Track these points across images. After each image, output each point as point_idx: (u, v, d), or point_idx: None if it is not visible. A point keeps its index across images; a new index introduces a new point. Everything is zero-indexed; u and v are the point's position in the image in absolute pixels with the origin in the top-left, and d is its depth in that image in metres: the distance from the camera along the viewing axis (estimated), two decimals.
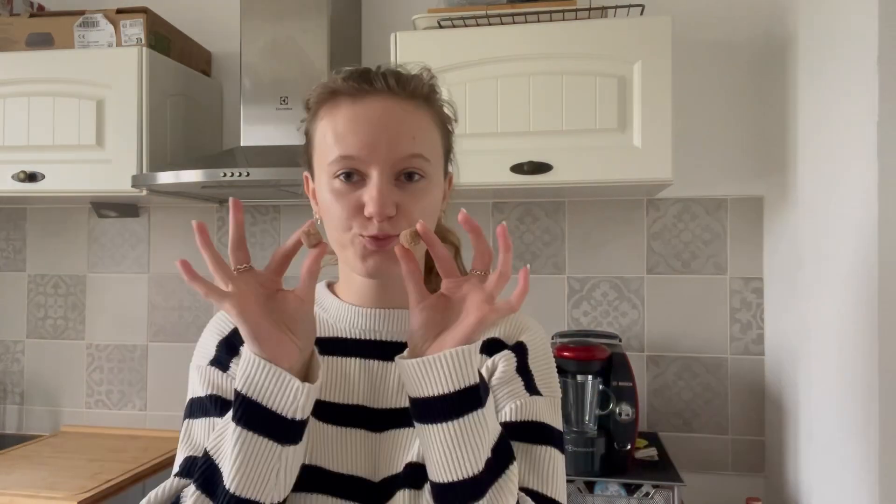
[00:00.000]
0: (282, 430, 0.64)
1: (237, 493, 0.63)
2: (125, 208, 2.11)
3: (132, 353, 2.12)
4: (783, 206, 1.73)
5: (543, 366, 0.80)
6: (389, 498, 0.72)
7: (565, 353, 1.56)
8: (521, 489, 0.70)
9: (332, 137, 0.72)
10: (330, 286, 0.86)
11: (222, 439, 0.66)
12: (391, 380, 0.77)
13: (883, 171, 1.15)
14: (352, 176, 0.72)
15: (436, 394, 0.64)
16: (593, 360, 1.56)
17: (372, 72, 0.74)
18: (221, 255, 0.63)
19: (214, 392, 0.76)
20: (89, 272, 2.16)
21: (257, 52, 1.79)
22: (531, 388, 0.77)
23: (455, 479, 0.64)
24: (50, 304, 2.18)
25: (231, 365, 0.77)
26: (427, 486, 0.69)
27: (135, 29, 1.77)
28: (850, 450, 1.27)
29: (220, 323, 0.81)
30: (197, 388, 0.77)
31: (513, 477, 0.67)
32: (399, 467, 0.73)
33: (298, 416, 0.64)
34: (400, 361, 0.67)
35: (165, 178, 1.63)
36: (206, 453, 0.68)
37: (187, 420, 0.77)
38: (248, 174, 1.54)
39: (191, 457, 0.74)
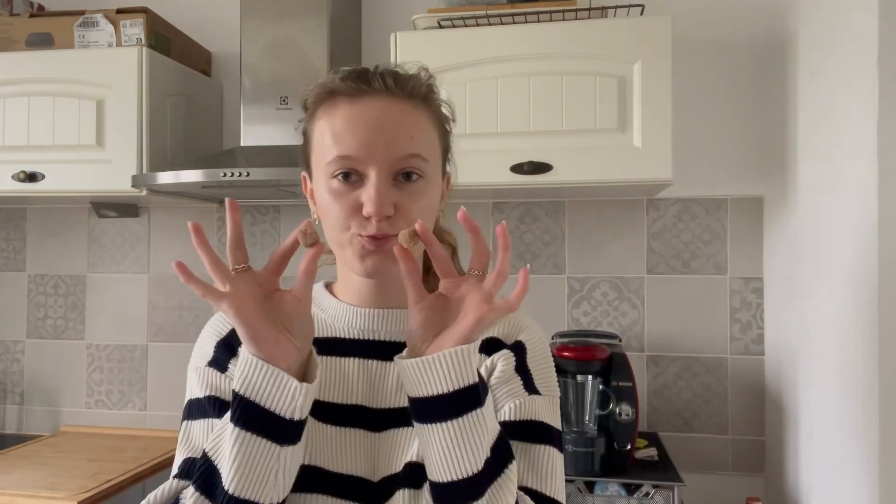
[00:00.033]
0: (280, 430, 0.64)
1: (236, 494, 0.63)
2: (125, 208, 2.11)
3: (132, 353, 2.12)
4: (783, 206, 1.73)
5: (542, 365, 0.80)
6: (389, 498, 0.72)
7: (565, 353, 1.56)
8: (521, 488, 0.70)
9: (330, 137, 0.72)
10: (328, 286, 0.86)
11: (221, 440, 0.66)
12: (390, 379, 0.77)
13: (883, 171, 1.15)
14: (350, 176, 0.72)
15: (435, 393, 0.64)
16: (593, 360, 1.56)
17: (370, 72, 0.74)
18: (221, 255, 0.63)
19: (213, 393, 0.76)
20: (89, 272, 2.16)
21: (257, 52, 1.79)
22: (530, 387, 0.77)
23: (454, 479, 0.64)
24: (50, 304, 2.18)
25: (229, 366, 0.77)
26: (426, 486, 0.69)
27: (135, 29, 1.77)
28: (850, 450, 1.26)
29: (218, 324, 0.81)
30: (195, 389, 0.77)
31: (512, 476, 0.67)
32: (398, 467, 0.73)
33: (297, 417, 0.64)
34: (399, 361, 0.67)
35: (165, 178, 1.63)
36: (204, 454, 0.68)
37: (186, 421, 0.77)
38: (248, 174, 1.54)
39: (190, 458, 0.74)
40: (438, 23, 1.64)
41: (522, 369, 0.78)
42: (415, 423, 0.67)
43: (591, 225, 1.91)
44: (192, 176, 1.59)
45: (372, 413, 0.76)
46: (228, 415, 0.65)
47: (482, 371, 0.76)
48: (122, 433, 2.07)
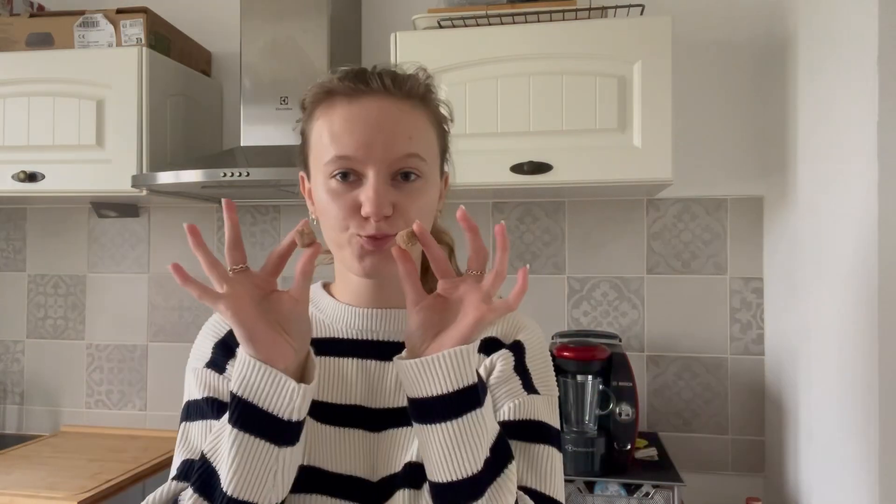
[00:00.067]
0: (278, 431, 0.64)
1: (235, 496, 0.63)
2: (125, 208, 2.11)
3: (132, 353, 2.12)
4: (783, 206, 1.73)
5: (541, 364, 0.80)
6: (388, 498, 0.72)
7: (565, 353, 1.56)
8: (520, 487, 0.70)
9: (328, 137, 0.72)
10: (326, 286, 0.86)
11: (219, 442, 0.66)
12: (388, 379, 0.77)
13: (883, 171, 1.15)
14: (348, 176, 0.72)
15: (434, 394, 0.64)
16: (593, 360, 1.56)
17: (368, 72, 0.74)
18: (223, 255, 0.63)
19: (211, 394, 0.75)
20: (89, 272, 2.16)
21: (257, 52, 1.79)
22: (529, 386, 0.77)
23: (454, 479, 0.64)
24: (50, 304, 2.18)
25: (227, 367, 0.77)
26: (426, 486, 0.69)
27: (135, 29, 1.77)
28: (850, 450, 1.26)
29: (216, 325, 0.81)
30: (193, 390, 0.77)
31: (511, 476, 0.67)
32: (397, 467, 0.73)
33: (294, 418, 0.64)
34: (398, 362, 0.67)
35: (165, 178, 1.63)
36: (202, 456, 0.68)
37: (184, 423, 0.77)
38: (248, 174, 1.54)
39: (188, 460, 0.74)
40: (438, 23, 1.64)
41: (521, 369, 0.78)
42: (414, 424, 0.67)
43: (591, 225, 1.91)
44: (192, 176, 1.59)
45: (370, 413, 0.76)
46: (226, 416, 0.65)
47: (481, 371, 0.76)
48: (122, 433, 2.07)
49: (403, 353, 0.68)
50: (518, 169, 1.56)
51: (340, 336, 0.80)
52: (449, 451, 0.64)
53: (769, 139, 1.81)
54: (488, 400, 0.68)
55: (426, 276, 0.82)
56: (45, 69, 1.77)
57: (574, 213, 1.91)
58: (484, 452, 0.65)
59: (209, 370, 0.77)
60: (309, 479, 0.72)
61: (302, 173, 0.82)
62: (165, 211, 2.12)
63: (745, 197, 1.84)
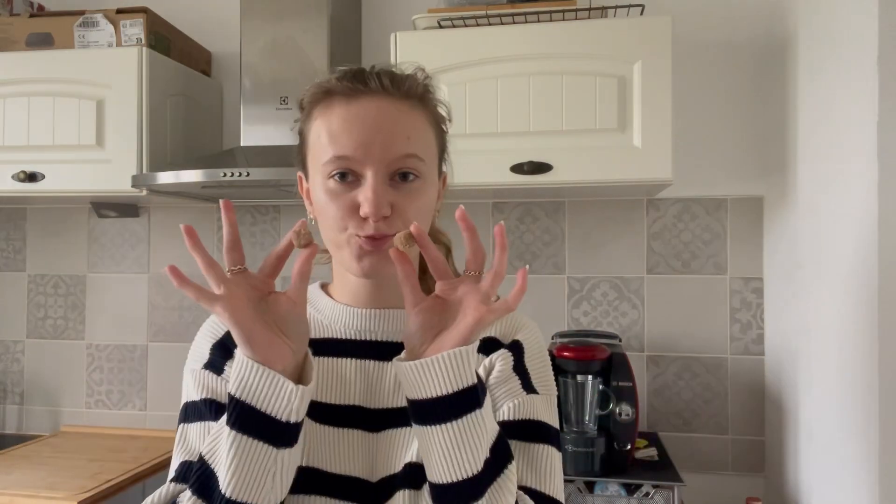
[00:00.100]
0: (276, 433, 0.64)
1: (233, 498, 0.63)
2: (125, 208, 2.11)
3: (132, 353, 2.12)
4: (783, 206, 1.73)
5: (539, 364, 0.80)
6: (388, 498, 0.72)
7: (565, 353, 1.56)
8: (520, 487, 0.71)
9: (326, 137, 0.72)
10: (323, 287, 0.86)
11: (217, 443, 0.66)
12: (387, 380, 0.77)
13: (883, 171, 1.15)
14: (346, 176, 0.72)
15: (434, 395, 0.64)
16: (593, 360, 1.56)
17: (366, 72, 0.74)
18: (219, 256, 0.63)
19: (209, 396, 0.75)
20: (89, 272, 2.16)
21: (257, 52, 1.79)
22: (528, 386, 0.77)
23: (454, 480, 0.64)
24: (50, 304, 2.18)
25: (225, 368, 0.77)
26: (426, 486, 0.69)
27: (135, 29, 1.77)
28: (850, 450, 1.26)
29: (214, 326, 0.81)
30: (191, 391, 0.77)
31: (511, 476, 0.67)
32: (397, 467, 0.73)
33: (293, 419, 0.64)
34: (398, 364, 0.66)
35: (165, 178, 1.63)
36: (201, 458, 0.68)
37: (182, 424, 0.77)
38: (248, 174, 1.54)
39: (186, 461, 0.74)
40: (438, 23, 1.64)
41: (520, 369, 0.78)
42: (414, 425, 0.67)
43: (591, 225, 1.91)
44: (192, 176, 1.59)
45: (369, 413, 0.76)
46: (225, 418, 0.64)
47: (480, 371, 0.76)
48: (122, 433, 2.07)
49: (403, 354, 0.68)
50: (518, 169, 1.56)
51: (339, 336, 0.80)
52: (449, 453, 0.64)
53: (769, 139, 1.81)
54: (488, 400, 0.68)
55: (424, 277, 0.82)
56: (45, 69, 1.77)
57: (574, 213, 1.91)
58: (484, 453, 0.65)
59: (207, 371, 0.77)
60: (308, 479, 0.72)
61: (300, 173, 0.82)
62: (165, 211, 2.12)
63: (745, 197, 1.84)
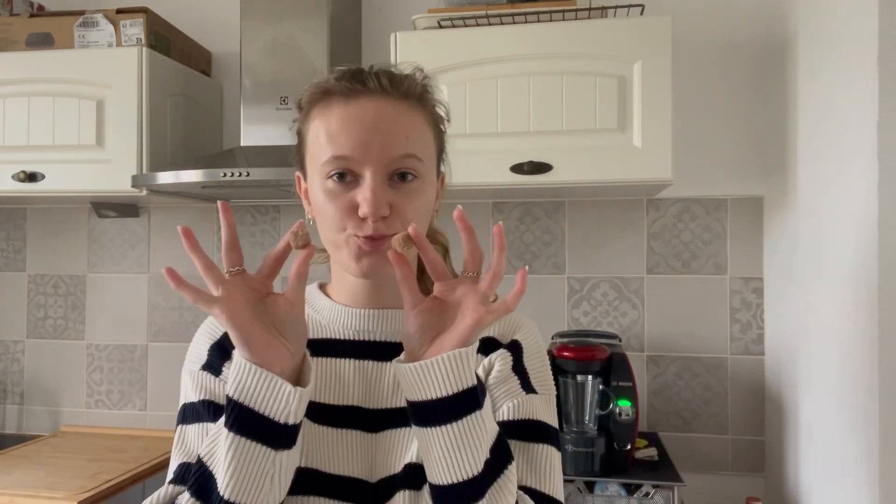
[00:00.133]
0: (275, 435, 0.63)
1: (231, 500, 0.63)
2: (125, 208, 2.11)
3: (132, 353, 2.12)
4: (783, 206, 1.73)
5: (538, 364, 0.80)
6: (388, 499, 0.72)
7: (565, 353, 1.56)
8: (520, 487, 0.71)
9: (324, 138, 0.72)
10: (322, 287, 0.85)
11: (215, 445, 0.66)
12: (386, 380, 0.77)
13: (883, 171, 1.15)
14: (345, 176, 0.71)
15: (434, 397, 0.64)
16: (593, 360, 1.56)
17: (365, 72, 0.74)
18: (218, 256, 0.63)
19: (207, 397, 0.75)
20: (89, 272, 2.16)
21: (257, 52, 1.79)
22: (527, 386, 0.77)
23: (455, 481, 0.64)
24: (50, 304, 2.18)
25: (223, 369, 0.77)
26: (426, 487, 0.69)
27: (135, 29, 1.77)
28: (850, 450, 1.26)
29: (212, 327, 0.81)
30: (190, 393, 0.77)
31: (511, 476, 0.67)
32: (396, 468, 0.73)
33: (291, 421, 0.64)
34: (397, 366, 0.66)
35: (165, 178, 1.63)
36: (199, 460, 0.67)
37: (181, 426, 0.77)
38: (248, 174, 1.54)
39: (185, 463, 0.74)
40: (438, 23, 1.64)
41: (519, 369, 0.78)
42: (414, 427, 0.67)
43: (591, 225, 1.91)
44: (192, 176, 1.59)
45: (368, 414, 0.76)
46: (223, 420, 0.64)
47: (479, 371, 0.76)
48: (122, 433, 2.07)
49: (402, 356, 0.68)
50: (518, 169, 1.56)
51: (337, 337, 0.80)
52: (449, 454, 0.64)
53: (769, 139, 1.81)
54: (487, 401, 0.68)
55: (423, 278, 0.82)
56: (45, 69, 1.77)
57: (574, 213, 1.91)
58: (484, 454, 0.65)
59: (205, 373, 0.77)
60: (307, 480, 0.72)
61: (298, 173, 0.82)
62: (165, 211, 2.12)
63: (745, 197, 1.84)
